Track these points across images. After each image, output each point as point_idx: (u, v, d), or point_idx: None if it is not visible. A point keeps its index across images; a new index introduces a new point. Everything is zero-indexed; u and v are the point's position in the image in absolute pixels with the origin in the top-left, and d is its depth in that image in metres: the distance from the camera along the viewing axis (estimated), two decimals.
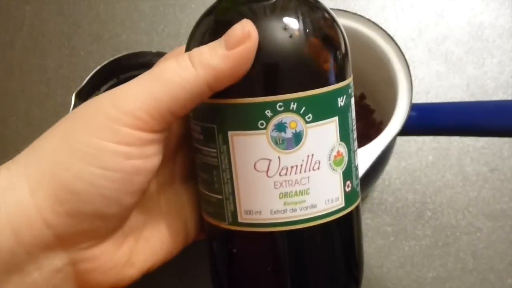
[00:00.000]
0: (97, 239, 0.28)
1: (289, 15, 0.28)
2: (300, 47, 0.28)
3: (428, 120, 0.43)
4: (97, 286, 0.29)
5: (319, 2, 0.30)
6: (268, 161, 0.28)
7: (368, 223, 0.50)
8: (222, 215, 0.30)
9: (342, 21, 0.31)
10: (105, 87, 0.50)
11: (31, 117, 0.57)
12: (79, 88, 0.46)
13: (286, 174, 0.28)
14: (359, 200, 0.31)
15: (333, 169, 0.29)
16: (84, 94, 0.48)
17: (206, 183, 0.30)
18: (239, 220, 0.29)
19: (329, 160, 0.29)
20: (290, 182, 0.28)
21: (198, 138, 0.30)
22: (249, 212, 0.29)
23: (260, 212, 0.29)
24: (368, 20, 0.43)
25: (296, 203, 0.28)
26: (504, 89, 0.56)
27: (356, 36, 0.42)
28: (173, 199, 0.32)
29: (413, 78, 0.41)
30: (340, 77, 0.29)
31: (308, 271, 0.29)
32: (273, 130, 0.27)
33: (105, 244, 0.29)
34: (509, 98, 0.56)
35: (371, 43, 0.43)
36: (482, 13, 0.59)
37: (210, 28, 0.29)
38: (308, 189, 0.28)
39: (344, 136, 0.29)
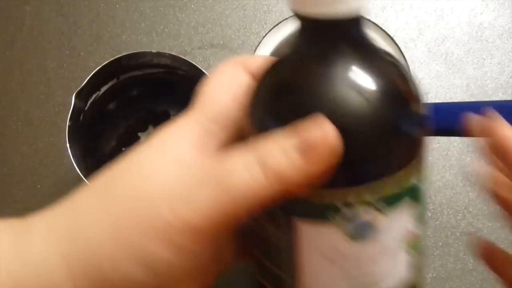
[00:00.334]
0: None
1: (380, 106, 0.25)
2: (383, 142, 0.25)
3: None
4: None
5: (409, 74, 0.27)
6: (337, 250, 0.26)
7: None
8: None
9: None
10: (105, 87, 0.50)
11: (31, 117, 0.57)
12: (79, 88, 0.46)
13: (356, 263, 0.26)
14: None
15: (405, 251, 0.27)
16: (84, 95, 0.48)
17: (262, 251, 0.29)
18: None
19: (402, 243, 0.27)
20: (361, 271, 0.26)
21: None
22: None
23: None
24: (368, 20, 0.43)
25: None
26: (504, 89, 0.56)
27: None
28: None
29: None
30: (416, 155, 0.26)
31: None
32: (343, 220, 0.25)
33: None
34: (509, 98, 0.56)
35: None
36: (482, 13, 0.59)
37: (280, 100, 0.26)
38: (380, 275, 0.27)
39: (417, 214, 0.27)
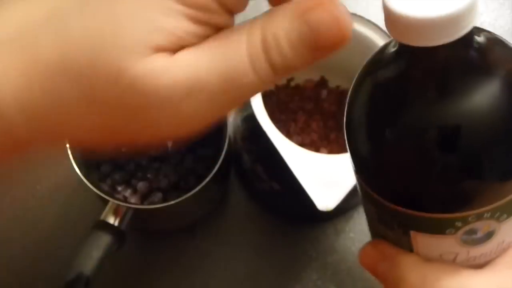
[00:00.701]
0: None
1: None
2: (508, 166, 0.24)
3: None
4: None
5: None
6: (456, 253, 0.26)
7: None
8: None
9: None
10: None
11: None
12: None
13: (474, 260, 0.27)
14: None
15: None
16: None
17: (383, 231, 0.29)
18: None
19: None
20: (474, 263, 0.27)
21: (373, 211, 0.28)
22: None
23: None
24: (368, 20, 0.43)
25: None
26: None
27: (356, 37, 0.42)
28: None
29: None
30: None
31: None
32: (463, 234, 0.25)
33: None
34: None
35: (371, 44, 0.43)
36: (481, 14, 0.59)
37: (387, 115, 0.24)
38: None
39: None
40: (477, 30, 0.23)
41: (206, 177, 0.44)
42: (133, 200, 0.51)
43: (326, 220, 0.53)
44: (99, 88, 0.21)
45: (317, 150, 0.47)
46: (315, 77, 0.52)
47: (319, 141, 0.49)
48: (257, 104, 0.41)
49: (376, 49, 0.42)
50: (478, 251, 0.26)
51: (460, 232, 0.25)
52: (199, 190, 0.44)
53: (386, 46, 0.26)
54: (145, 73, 0.20)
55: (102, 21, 0.21)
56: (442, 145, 0.23)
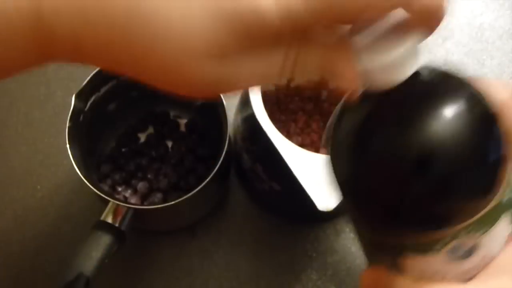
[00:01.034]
0: None
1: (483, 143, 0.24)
2: (482, 181, 0.25)
3: None
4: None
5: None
6: (441, 272, 0.28)
7: None
8: None
9: None
10: (105, 88, 0.50)
11: (31, 118, 0.57)
12: (79, 89, 0.46)
13: (465, 275, 0.28)
14: None
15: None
16: (84, 95, 0.48)
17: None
18: None
19: (502, 245, 0.28)
20: (463, 278, 0.28)
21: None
22: None
23: None
24: None
25: None
26: None
27: None
28: None
29: None
30: (505, 174, 0.26)
31: None
32: (447, 251, 0.26)
33: None
34: None
35: None
36: (482, 14, 0.59)
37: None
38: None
39: None
40: (425, 68, 0.27)
41: (206, 177, 0.44)
42: (133, 200, 0.51)
43: (326, 220, 0.53)
44: None
45: (317, 150, 0.47)
46: (315, 77, 0.52)
47: (319, 141, 0.49)
48: (257, 104, 0.41)
49: None
50: (463, 267, 0.28)
51: (444, 249, 0.26)
52: (199, 190, 0.44)
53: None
54: None
55: None
56: (406, 173, 0.24)
